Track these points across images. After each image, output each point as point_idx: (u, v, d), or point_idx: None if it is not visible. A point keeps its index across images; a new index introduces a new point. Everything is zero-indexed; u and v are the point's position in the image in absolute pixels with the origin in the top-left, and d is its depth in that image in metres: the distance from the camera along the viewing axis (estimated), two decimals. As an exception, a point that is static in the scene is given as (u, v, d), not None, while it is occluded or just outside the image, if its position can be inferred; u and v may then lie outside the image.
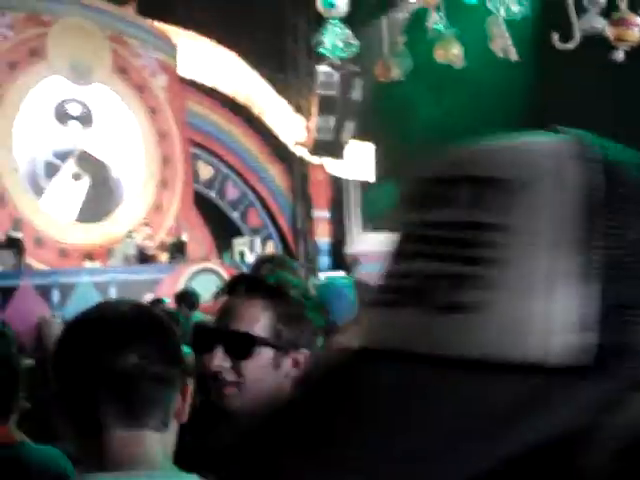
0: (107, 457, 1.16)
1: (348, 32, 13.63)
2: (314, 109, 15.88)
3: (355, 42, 13.84)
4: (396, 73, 14.98)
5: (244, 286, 1.61)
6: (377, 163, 17.89)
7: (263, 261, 2.41)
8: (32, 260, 11.87)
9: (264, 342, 1.55)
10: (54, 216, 12.86)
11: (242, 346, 1.54)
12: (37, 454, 2.41)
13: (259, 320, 1.57)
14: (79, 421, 1.20)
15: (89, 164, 13.74)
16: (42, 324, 6.11)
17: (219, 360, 1.53)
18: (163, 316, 1.33)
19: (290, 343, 1.59)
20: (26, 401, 2.77)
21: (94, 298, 10.63)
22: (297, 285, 1.67)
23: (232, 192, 16.44)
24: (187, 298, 7.36)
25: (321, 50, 14.05)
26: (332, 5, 12.65)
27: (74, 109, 13.67)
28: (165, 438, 1.22)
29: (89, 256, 12.88)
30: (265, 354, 1.56)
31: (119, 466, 1.16)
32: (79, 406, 1.19)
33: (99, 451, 1.17)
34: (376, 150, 17.87)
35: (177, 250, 13.11)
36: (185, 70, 15.75)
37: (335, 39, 13.60)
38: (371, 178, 18.00)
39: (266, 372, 1.56)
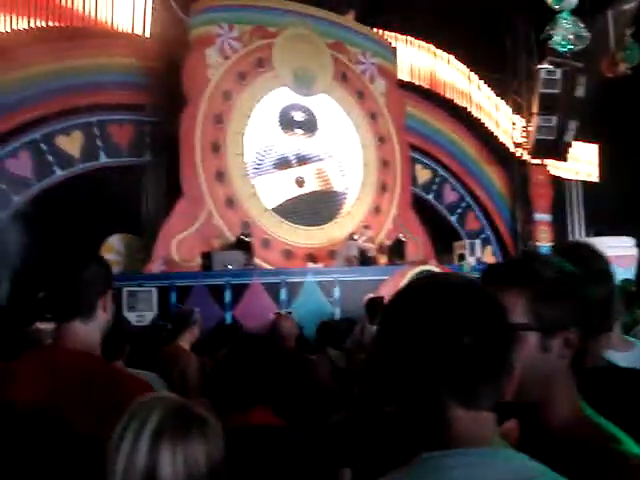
0: (447, 439, 1.17)
1: (580, 24, 13.11)
2: (535, 108, 15.43)
3: (586, 34, 13.28)
4: (623, 68, 14.28)
5: (495, 276, 1.57)
6: (602, 163, 17.15)
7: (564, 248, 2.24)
8: (259, 260, 12.44)
9: (525, 327, 1.49)
10: (280, 219, 13.38)
11: None
12: (299, 437, 2.53)
13: (516, 306, 1.50)
14: (417, 402, 1.21)
15: (312, 169, 14.18)
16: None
17: None
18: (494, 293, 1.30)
19: (555, 323, 1.51)
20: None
21: (318, 297, 10.98)
22: (552, 263, 1.59)
23: (450, 195, 16.35)
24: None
25: (551, 45, 13.62)
26: (561, -1, 12.24)
27: (298, 116, 14.18)
28: (495, 418, 1.21)
29: (312, 257, 13.29)
30: (530, 339, 1.49)
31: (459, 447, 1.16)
32: (417, 387, 1.20)
33: (438, 432, 1.18)
34: (601, 150, 17.14)
35: (396, 252, 13.21)
36: (403, 74, 15.88)
37: (566, 33, 13.13)
38: (595, 179, 17.28)
39: (535, 357, 1.49)
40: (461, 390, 1.18)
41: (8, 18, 11.52)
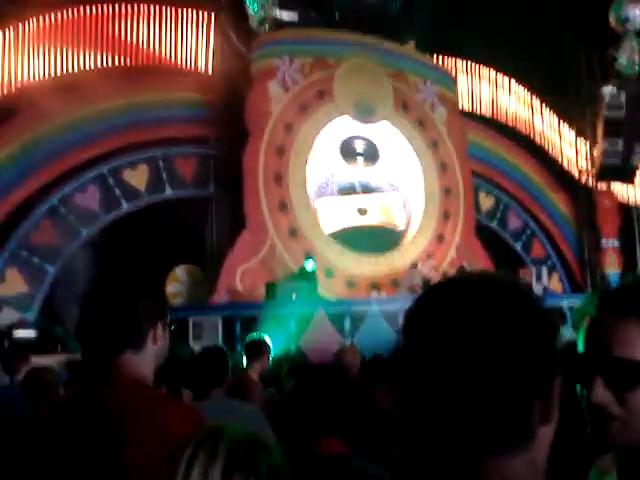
0: None
1: (647, 46, 12.91)
2: (600, 132, 15.22)
3: (654, 57, 13.07)
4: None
5: (617, 302, 1.32)
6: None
7: None
8: (322, 290, 12.42)
9: None
10: (343, 249, 13.36)
11: (627, 375, 1.27)
12: (364, 466, 2.54)
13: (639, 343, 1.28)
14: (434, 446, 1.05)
15: (376, 201, 14.17)
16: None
17: (602, 393, 1.26)
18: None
19: None
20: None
21: (383, 326, 10.87)
22: None
23: (514, 222, 16.13)
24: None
25: (616, 67, 13.42)
26: (627, 20, 12.06)
27: (359, 145, 14.21)
28: (531, 455, 0.99)
29: (375, 286, 13.22)
30: None
31: None
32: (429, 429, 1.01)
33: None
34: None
35: (460, 281, 13.03)
36: (465, 101, 15.82)
37: (631, 54, 12.93)
38: (665, 204, 16.90)
39: None
40: (474, 436, 0.94)
41: (77, 57, 11.88)
